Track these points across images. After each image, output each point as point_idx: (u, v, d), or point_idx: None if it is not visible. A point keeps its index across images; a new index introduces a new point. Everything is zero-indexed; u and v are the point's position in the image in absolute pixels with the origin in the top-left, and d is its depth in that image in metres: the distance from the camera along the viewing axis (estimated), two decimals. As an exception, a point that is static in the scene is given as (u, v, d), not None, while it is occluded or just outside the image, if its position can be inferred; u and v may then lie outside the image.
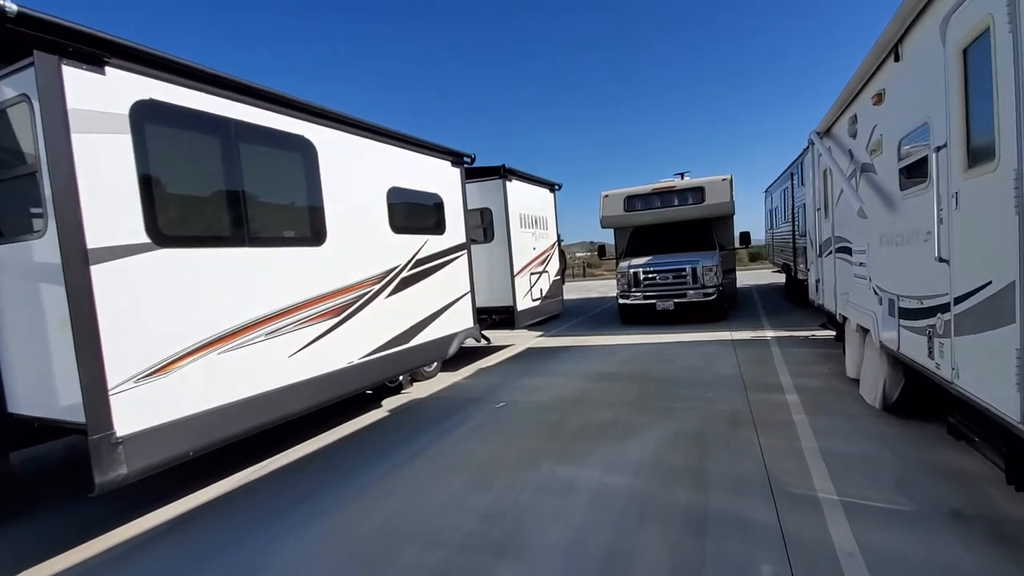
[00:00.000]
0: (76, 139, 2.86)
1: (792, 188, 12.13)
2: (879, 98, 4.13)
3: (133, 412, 3.08)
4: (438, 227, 6.42)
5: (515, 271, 8.38)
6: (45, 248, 3.00)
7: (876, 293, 4.53)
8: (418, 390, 7.19)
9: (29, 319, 3.17)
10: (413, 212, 6.00)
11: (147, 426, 3.15)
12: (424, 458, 4.69)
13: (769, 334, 9.24)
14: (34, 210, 3.23)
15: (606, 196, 12.61)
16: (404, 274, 5.65)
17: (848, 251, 5.65)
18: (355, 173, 5.06)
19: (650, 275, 11.14)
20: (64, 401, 3.05)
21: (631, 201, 12.33)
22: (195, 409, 3.44)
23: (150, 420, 3.17)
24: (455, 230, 6.73)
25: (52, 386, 3.11)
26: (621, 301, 11.59)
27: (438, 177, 6.48)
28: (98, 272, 2.93)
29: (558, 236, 11.20)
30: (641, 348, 8.99)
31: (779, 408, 5.22)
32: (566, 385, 6.85)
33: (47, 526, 3.94)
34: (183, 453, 3.38)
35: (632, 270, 11.34)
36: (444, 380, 7.70)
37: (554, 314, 10.84)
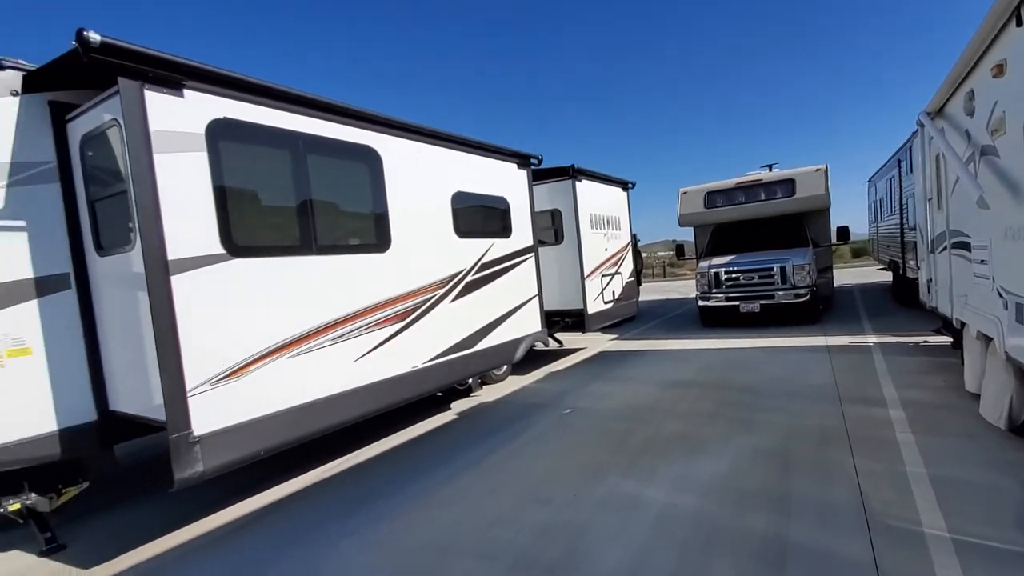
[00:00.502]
0: (158, 159, 3.09)
1: (899, 176, 10.88)
2: (1000, 69, 3.53)
3: (209, 413, 3.28)
4: (504, 230, 6.39)
5: (585, 273, 8.16)
6: (134, 260, 3.27)
7: (1001, 295, 3.89)
8: (487, 393, 7.20)
9: (122, 325, 3.48)
10: (478, 216, 6.00)
11: (222, 426, 3.34)
12: (485, 465, 4.65)
13: (871, 339, 8.33)
14: (127, 225, 3.55)
15: (684, 193, 12.01)
16: (469, 278, 5.66)
17: (966, 247, 4.92)
18: (419, 179, 5.13)
19: (733, 275, 10.45)
20: (150, 401, 3.31)
21: (712, 197, 11.65)
22: (266, 411, 3.62)
23: (224, 421, 3.36)
24: (522, 233, 6.66)
25: (141, 386, 3.39)
26: (701, 303, 10.98)
27: (504, 180, 6.44)
28: (177, 282, 3.15)
29: (633, 236, 10.81)
30: (721, 354, 8.45)
31: (880, 425, 4.65)
32: (637, 392, 6.56)
33: (144, 513, 4.34)
34: (255, 453, 3.56)
35: (713, 270, 10.71)
36: (513, 383, 7.66)
37: (628, 317, 10.48)
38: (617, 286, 9.48)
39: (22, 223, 3.43)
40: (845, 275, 19.99)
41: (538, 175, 7.49)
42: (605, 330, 11.36)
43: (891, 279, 13.38)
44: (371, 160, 4.61)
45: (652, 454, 4.51)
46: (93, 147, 3.50)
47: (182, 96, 3.27)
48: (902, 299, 11.40)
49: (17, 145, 3.42)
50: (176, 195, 3.19)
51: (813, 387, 6.05)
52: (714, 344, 9.28)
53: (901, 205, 10.80)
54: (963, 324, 5.29)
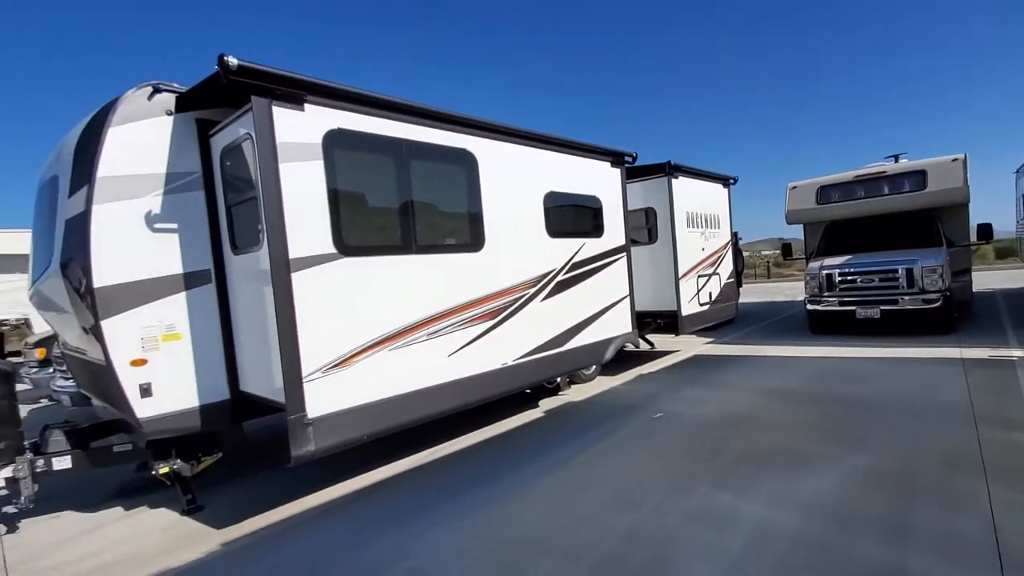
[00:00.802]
0: (282, 168, 3.45)
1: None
2: None
3: (321, 398, 3.61)
4: (596, 230, 6.35)
5: (680, 274, 7.88)
6: (262, 258, 3.67)
7: None
8: (575, 392, 7.20)
9: (251, 316, 3.93)
10: (570, 215, 6.02)
11: (331, 411, 3.67)
12: (573, 464, 4.67)
13: (1016, 353, 7.26)
14: (256, 227, 3.99)
15: (793, 188, 11.17)
16: (560, 278, 5.70)
17: None
18: (512, 180, 5.25)
19: (849, 277, 9.56)
20: (273, 384, 3.72)
21: (826, 192, 10.72)
22: (368, 399, 3.92)
23: (333, 406, 3.69)
24: (614, 232, 6.58)
25: (265, 371, 3.81)
26: (810, 307, 10.15)
27: (596, 179, 6.40)
28: (296, 278, 3.50)
29: (734, 234, 10.25)
30: (832, 363, 7.78)
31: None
32: (734, 400, 6.24)
33: (265, 484, 4.86)
34: (358, 437, 3.86)
35: (825, 271, 9.86)
36: (602, 384, 7.59)
37: (725, 320, 9.96)
38: (715, 287, 9.05)
39: (175, 225, 3.98)
40: (988, 278, 17.54)
41: (632, 173, 7.35)
42: (700, 333, 10.88)
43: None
44: (467, 163, 4.80)
45: (748, 466, 4.29)
46: (230, 158, 3.97)
47: (303, 110, 3.62)
48: (1062, 308, 9.83)
49: (171, 158, 3.96)
50: (297, 200, 3.54)
51: (942, 405, 5.41)
52: (824, 352, 8.57)
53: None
54: None
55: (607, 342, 6.46)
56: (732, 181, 9.84)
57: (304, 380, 3.52)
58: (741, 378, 7.31)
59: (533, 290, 5.38)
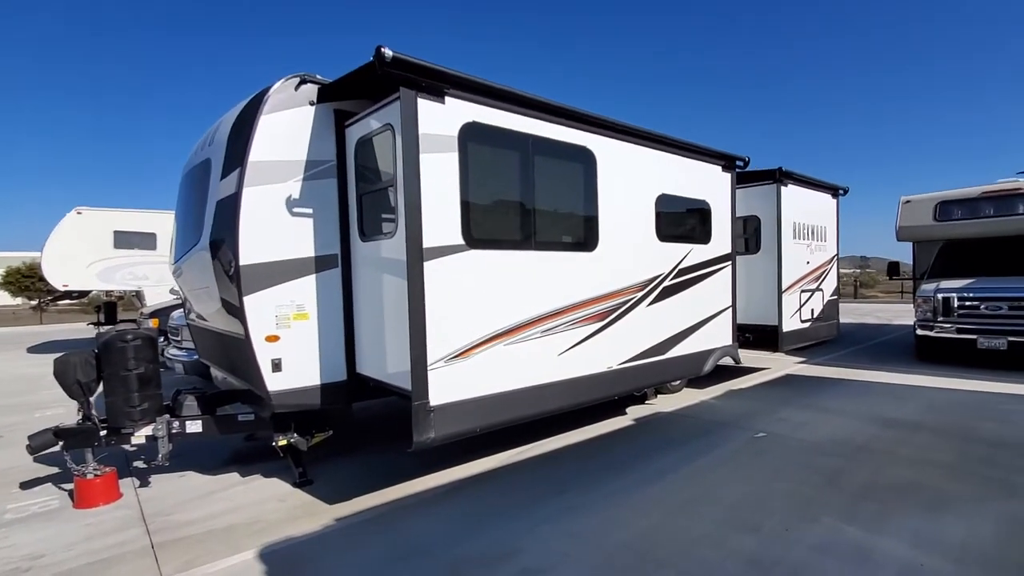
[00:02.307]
0: (423, 158, 3.52)
1: None
2: None
3: (442, 387, 3.67)
4: (704, 236, 6.11)
5: (784, 287, 7.46)
6: (394, 246, 3.77)
7: None
8: (662, 403, 6.97)
9: (376, 301, 4.05)
10: (680, 220, 5.83)
11: (450, 400, 3.72)
12: (677, 477, 4.50)
13: None
14: (386, 216, 4.11)
15: (907, 202, 10.32)
16: (666, 283, 5.53)
17: None
18: (628, 180, 5.14)
19: (971, 303, 8.72)
20: (397, 370, 3.81)
21: (946, 208, 9.83)
22: (484, 392, 3.94)
23: (452, 396, 3.74)
24: (721, 240, 6.31)
25: (390, 356, 3.92)
26: (920, 332, 9.34)
27: (707, 183, 6.16)
28: (429, 267, 3.56)
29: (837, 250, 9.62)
30: (950, 395, 7.10)
31: None
32: (843, 426, 5.82)
33: (370, 464, 5.02)
34: (472, 429, 3.90)
35: (941, 295, 9.04)
36: (689, 396, 7.30)
37: (825, 339, 9.34)
38: (817, 304, 8.52)
39: (310, 210, 4.17)
40: None
41: (738, 178, 7.01)
42: (793, 352, 10.29)
43: None
44: (586, 160, 4.74)
45: (876, 500, 3.96)
46: (366, 149, 4.11)
47: (444, 103, 3.68)
48: None
49: (311, 146, 4.15)
50: (433, 191, 3.61)
51: (1102, 454, 4.78)
52: (937, 382, 7.85)
53: None
54: None
55: (707, 353, 6.20)
56: (843, 192, 9.22)
57: (429, 368, 3.58)
58: (846, 403, 6.82)
59: (640, 294, 5.24)
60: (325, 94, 4.19)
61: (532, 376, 4.29)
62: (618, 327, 5.01)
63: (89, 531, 3.83)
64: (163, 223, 15.36)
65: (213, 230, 4.07)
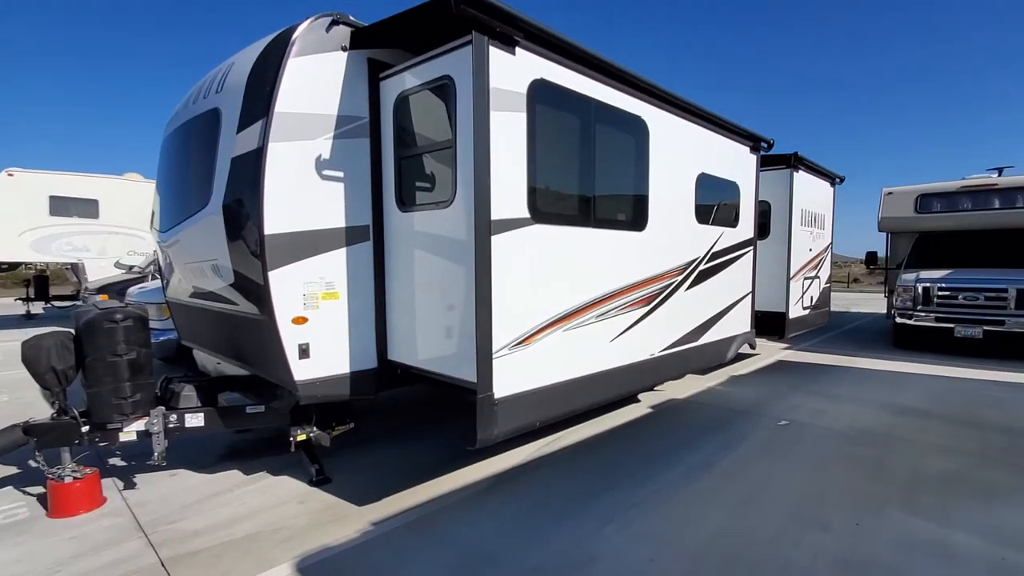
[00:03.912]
0: (494, 117, 3.06)
1: None
2: None
3: (505, 378, 3.27)
4: (734, 219, 5.92)
5: (791, 273, 7.43)
6: (448, 219, 3.30)
7: None
8: (670, 390, 6.83)
9: (424, 280, 3.57)
10: (715, 202, 5.59)
11: (514, 392, 3.33)
12: (720, 469, 4.32)
13: None
14: (431, 184, 3.63)
15: (889, 193, 10.60)
16: (702, 267, 5.29)
17: None
18: (674, 157, 4.83)
19: (949, 293, 9.05)
20: (451, 358, 3.38)
21: (926, 201, 10.15)
22: (545, 382, 3.57)
23: (515, 387, 3.35)
24: (746, 224, 6.15)
25: (441, 343, 3.47)
26: (900, 320, 9.65)
27: (738, 164, 5.95)
28: (496, 243, 3.13)
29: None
30: (942, 383, 7.33)
31: None
32: (858, 415, 5.83)
33: (394, 459, 4.57)
34: (530, 423, 3.53)
35: (921, 284, 9.35)
36: (694, 383, 7.18)
37: (820, 326, 9.50)
38: (815, 291, 8.60)
39: (340, 174, 3.62)
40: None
41: (756, 162, 6.87)
42: (772, 338, 10.43)
43: None
44: (639, 132, 4.38)
45: (931, 493, 3.90)
46: (411, 106, 3.59)
47: (514, 54, 3.22)
48: None
49: (343, 99, 3.59)
50: (501, 153, 3.16)
51: (1111, 441, 4.96)
52: (923, 369, 8.11)
53: None
54: None
55: (730, 340, 6.06)
56: (839, 180, 9.31)
57: (494, 357, 3.17)
58: (849, 390, 6.90)
59: (680, 278, 4.97)
60: (359, 39, 3.63)
61: (588, 364, 3.94)
62: (661, 312, 4.73)
63: (76, 546, 3.22)
64: (107, 189, 13.91)
65: (228, 192, 3.46)
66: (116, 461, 4.52)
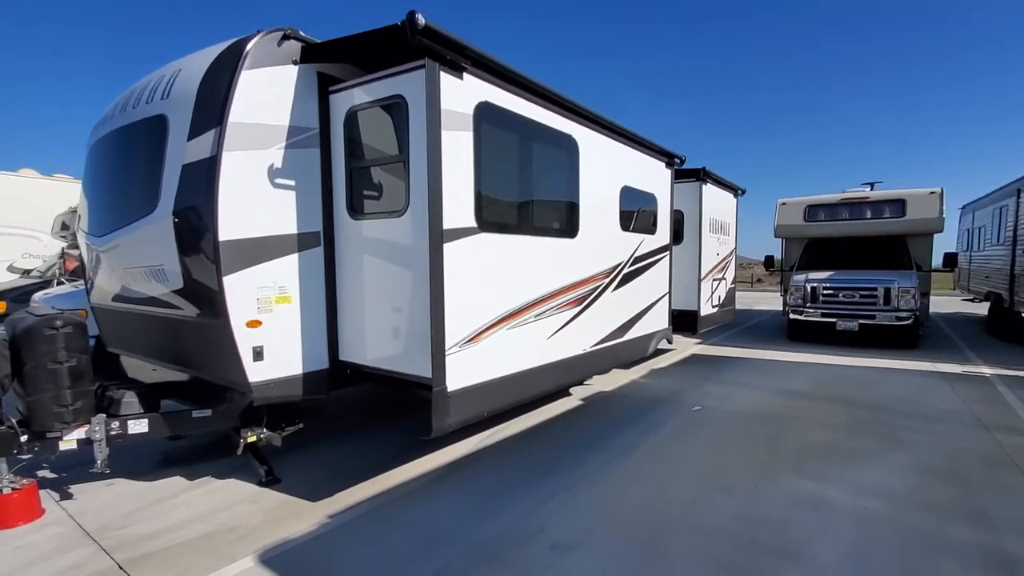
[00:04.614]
0: (444, 135, 3.37)
1: (1017, 207, 10.59)
2: None
3: (456, 372, 3.58)
4: (652, 227, 6.56)
5: (701, 275, 8.27)
6: (402, 227, 3.57)
7: None
8: (599, 384, 7.40)
9: (377, 284, 3.80)
10: (636, 211, 6.18)
11: (463, 385, 3.64)
12: (643, 450, 4.86)
13: (986, 371, 8.21)
14: (382, 194, 3.87)
15: (783, 204, 11.92)
16: (625, 270, 5.86)
17: None
18: (601, 171, 5.34)
19: (833, 292, 10.37)
20: (406, 356, 3.64)
21: (813, 211, 11.53)
22: (490, 376, 3.91)
23: (465, 381, 3.66)
24: (663, 231, 6.83)
25: (395, 342, 3.71)
26: (792, 316, 10.90)
27: (655, 178, 6.61)
28: (448, 249, 3.43)
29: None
30: (826, 369, 8.44)
31: (1046, 455, 4.68)
32: (759, 399, 6.66)
33: (333, 457, 4.72)
34: (479, 413, 3.85)
35: (809, 284, 10.62)
36: (620, 377, 7.81)
37: (727, 323, 10.52)
38: (722, 291, 9.56)
39: (292, 183, 3.78)
40: (919, 302, 19.40)
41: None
42: (687, 335, 11.40)
43: (985, 312, 13.04)
44: (571, 149, 4.84)
45: (813, 459, 4.64)
46: (363, 120, 3.80)
47: (462, 79, 3.53)
48: (1003, 333, 11.15)
49: (294, 110, 3.75)
50: (451, 169, 3.47)
51: (946, 412, 6.05)
52: (812, 359, 9.26)
53: (1015, 236, 10.52)
54: None
55: (651, 336, 6.70)
56: (741, 192, 10.39)
57: (447, 354, 3.47)
58: (752, 378, 7.79)
59: (607, 280, 5.50)
60: (309, 54, 3.80)
61: (528, 359, 4.33)
62: (591, 311, 5.23)
63: (25, 555, 3.17)
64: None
65: (179, 198, 3.51)
66: (45, 473, 4.34)
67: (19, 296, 9.70)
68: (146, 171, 3.77)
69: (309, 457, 4.73)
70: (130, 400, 3.97)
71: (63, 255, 9.74)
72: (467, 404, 3.67)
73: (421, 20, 3.06)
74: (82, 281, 8.48)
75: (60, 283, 9.04)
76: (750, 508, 3.75)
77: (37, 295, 7.93)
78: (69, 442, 3.63)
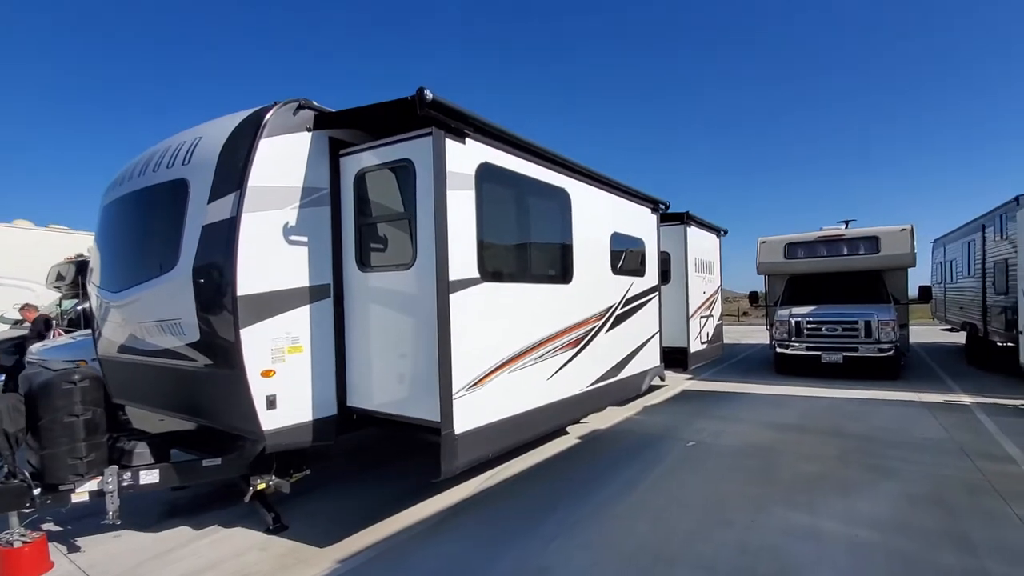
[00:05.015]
0: (449, 194, 3.66)
1: (983, 241, 11.16)
2: None
3: (463, 415, 3.75)
4: (641, 269, 6.88)
5: (689, 313, 8.57)
6: (414, 278, 3.81)
7: None
8: (594, 422, 7.54)
9: (385, 333, 4.01)
10: (626, 255, 6.50)
11: (470, 428, 3.81)
12: (643, 486, 5.00)
13: (966, 399, 8.50)
14: (391, 248, 4.13)
15: (764, 242, 12.41)
16: (618, 312, 6.13)
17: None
18: (592, 220, 5.69)
19: (816, 326, 10.72)
20: (415, 401, 3.81)
21: (792, 248, 12.02)
22: (494, 418, 4.09)
23: (471, 424, 3.84)
24: (651, 273, 7.15)
25: (404, 388, 3.90)
26: (779, 350, 11.20)
27: (642, 223, 6.98)
28: (454, 299, 3.67)
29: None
30: (814, 402, 8.68)
31: (1022, 481, 4.90)
32: (750, 432, 6.85)
33: (346, 500, 4.80)
34: (485, 454, 4.01)
35: (794, 319, 10.98)
36: (615, 414, 7.97)
37: (716, 358, 10.78)
38: (710, 327, 9.86)
39: (305, 239, 4.02)
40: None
41: (654, 219, 8.00)
42: (679, 370, 11.61)
43: (963, 341, 13.46)
44: (564, 201, 5.18)
45: (805, 490, 4.81)
46: (372, 180, 4.09)
47: (464, 144, 3.86)
48: (980, 362, 11.51)
49: (308, 173, 4.04)
50: (456, 225, 3.74)
51: (931, 441, 6.28)
52: (800, 392, 9.49)
53: (984, 269, 11.04)
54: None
55: (644, 374, 6.92)
56: (723, 232, 10.85)
57: (454, 397, 3.66)
58: (744, 413, 7.99)
59: (601, 322, 5.75)
60: (321, 121, 4.12)
61: (530, 400, 4.52)
62: (587, 352, 5.45)
63: (38, 610, 3.21)
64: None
65: (199, 256, 3.72)
66: (50, 526, 4.36)
67: (10, 348, 9.69)
68: (166, 231, 4.00)
69: (314, 503, 4.80)
70: (141, 451, 4.07)
71: (24, 307, 9.76)
72: (474, 446, 3.83)
73: (429, 95, 3.39)
74: (80, 333, 8.56)
75: (58, 335, 9.07)
76: (748, 539, 3.90)
77: (34, 347, 7.98)
78: (82, 494, 3.71)
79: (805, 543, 3.83)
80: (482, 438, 3.94)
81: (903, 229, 10.99)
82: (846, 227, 12.38)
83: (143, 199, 4.35)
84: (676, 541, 3.91)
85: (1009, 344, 9.37)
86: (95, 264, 4.97)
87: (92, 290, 5.04)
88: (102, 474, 3.77)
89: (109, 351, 4.99)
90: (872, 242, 11.22)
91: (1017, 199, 8.78)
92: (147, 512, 4.67)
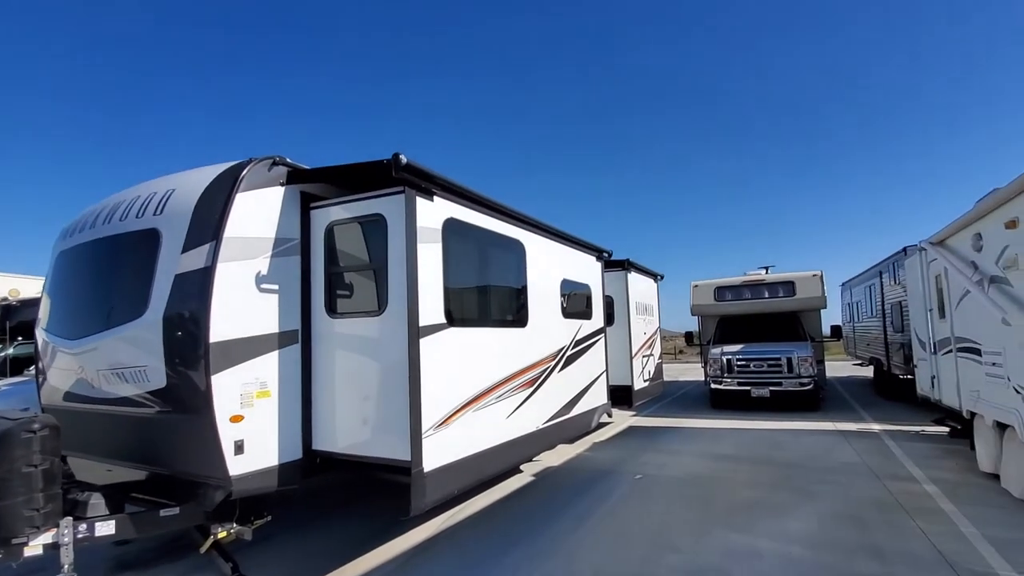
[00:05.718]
0: (420, 247, 3.98)
1: (881, 286, 12.59)
2: (1014, 224, 4.87)
3: (431, 454, 3.95)
4: (588, 312, 7.38)
5: (633, 352, 9.13)
6: (380, 324, 4.05)
7: (1018, 392, 5.02)
8: (547, 459, 7.81)
9: (355, 377, 4.19)
10: (574, 300, 6.99)
11: (438, 465, 4.01)
12: (595, 519, 5.30)
13: (875, 427, 9.45)
14: (359, 296, 4.37)
15: (696, 286, 13.40)
16: (568, 352, 6.54)
17: (975, 351, 6.15)
18: (545, 268, 6.14)
19: (745, 363, 11.60)
20: (383, 441, 3.98)
21: (721, 292, 13.05)
22: (460, 455, 4.30)
23: (439, 461, 4.04)
24: (597, 316, 7.67)
25: (372, 430, 4.06)
26: (714, 386, 11.99)
27: (588, 270, 7.53)
28: (423, 343, 3.94)
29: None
30: (747, 434, 9.36)
31: (923, 497, 5.58)
32: (692, 464, 7.34)
33: (295, 547, 4.78)
34: (451, 492, 4.20)
35: (725, 357, 11.84)
36: (566, 451, 8.28)
37: (658, 395, 11.36)
38: (651, 366, 10.47)
39: (276, 287, 4.19)
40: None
41: (598, 265, 8.60)
42: (623, 408, 12.15)
43: (871, 374, 14.88)
44: (519, 251, 5.61)
45: (743, 514, 5.27)
46: (341, 232, 4.36)
47: (432, 201, 4.22)
48: (886, 393, 12.78)
49: (280, 224, 4.25)
50: (424, 275, 4.05)
51: (848, 465, 6.99)
52: (734, 425, 10.20)
53: (884, 310, 12.42)
54: (973, 415, 6.42)
55: (593, 411, 7.31)
56: (660, 277, 11.69)
57: (423, 437, 3.86)
58: (685, 446, 8.52)
59: (553, 363, 6.13)
60: (294, 176, 4.38)
61: (491, 438, 4.77)
62: (542, 391, 5.78)
63: None
64: None
65: (170, 304, 3.81)
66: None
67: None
68: (133, 279, 4.06)
69: (274, 549, 4.75)
70: (96, 502, 3.95)
71: None
72: (442, 483, 4.03)
73: (403, 159, 3.76)
74: (17, 378, 7.99)
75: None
76: (695, 561, 4.27)
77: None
78: (35, 548, 3.57)
79: (747, 562, 4.24)
80: (449, 475, 4.14)
81: (814, 275, 12.26)
82: (766, 272, 13.60)
83: (107, 247, 4.39)
84: (630, 567, 4.21)
85: (909, 376, 10.53)
86: (45, 310, 4.86)
87: (41, 336, 4.90)
88: (57, 526, 3.65)
89: (54, 399, 4.83)
90: (788, 286, 12.41)
91: (905, 250, 10.10)
92: (94, 569, 4.47)
